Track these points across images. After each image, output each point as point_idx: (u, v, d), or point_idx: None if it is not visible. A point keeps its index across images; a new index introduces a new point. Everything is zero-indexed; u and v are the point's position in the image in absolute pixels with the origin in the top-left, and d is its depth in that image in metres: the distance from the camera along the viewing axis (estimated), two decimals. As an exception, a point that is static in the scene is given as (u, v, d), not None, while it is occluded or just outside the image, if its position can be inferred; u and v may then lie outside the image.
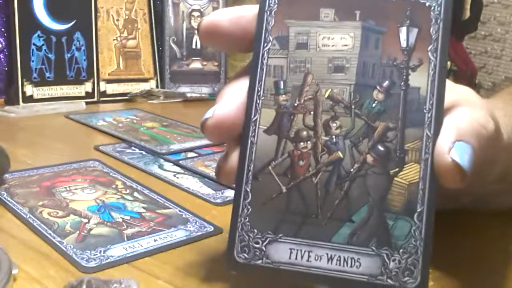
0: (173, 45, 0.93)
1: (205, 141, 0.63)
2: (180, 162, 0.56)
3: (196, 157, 0.58)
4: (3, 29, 0.78)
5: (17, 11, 0.77)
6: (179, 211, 0.44)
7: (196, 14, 0.94)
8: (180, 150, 0.60)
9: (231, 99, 0.30)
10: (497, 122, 0.32)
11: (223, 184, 0.48)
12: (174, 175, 0.52)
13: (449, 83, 0.30)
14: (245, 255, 0.29)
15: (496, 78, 0.81)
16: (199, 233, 0.40)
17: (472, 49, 0.82)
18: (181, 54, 0.93)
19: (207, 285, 0.32)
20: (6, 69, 0.79)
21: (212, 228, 0.41)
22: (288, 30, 0.31)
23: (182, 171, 0.54)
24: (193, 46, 0.94)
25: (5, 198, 0.44)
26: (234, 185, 0.30)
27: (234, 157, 0.30)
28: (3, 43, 0.78)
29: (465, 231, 0.41)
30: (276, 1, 0.31)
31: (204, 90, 0.93)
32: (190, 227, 0.41)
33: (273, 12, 0.31)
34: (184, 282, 0.33)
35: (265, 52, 0.31)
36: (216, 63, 0.95)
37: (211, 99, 0.91)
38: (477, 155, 0.28)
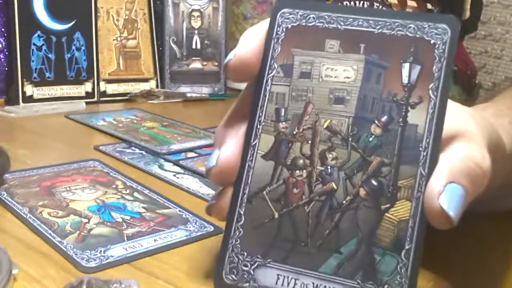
0: (173, 45, 0.93)
1: (205, 141, 0.63)
2: (180, 162, 0.56)
3: (196, 157, 0.58)
4: (3, 29, 0.78)
5: (17, 11, 0.77)
6: (179, 211, 0.44)
7: (196, 14, 0.94)
8: (180, 150, 0.60)
9: (232, 145, 0.31)
10: (498, 144, 0.32)
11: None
12: (174, 175, 0.52)
13: (450, 106, 0.29)
14: (233, 276, 0.29)
15: (496, 78, 0.81)
16: (199, 233, 0.40)
17: (472, 49, 0.82)
18: (181, 54, 0.93)
19: (207, 285, 0.32)
20: (6, 69, 0.79)
21: (212, 228, 0.41)
22: (293, 59, 0.31)
23: (182, 171, 0.54)
24: (193, 46, 0.94)
25: (5, 198, 0.44)
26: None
27: (229, 194, 0.30)
28: (3, 43, 0.78)
29: (464, 232, 0.41)
30: (284, 29, 0.31)
31: (204, 90, 0.93)
32: (190, 227, 0.41)
33: (280, 40, 0.31)
34: (184, 282, 0.33)
35: (269, 79, 0.31)
36: (216, 63, 0.95)
37: (211, 99, 0.91)
38: (470, 195, 0.27)
